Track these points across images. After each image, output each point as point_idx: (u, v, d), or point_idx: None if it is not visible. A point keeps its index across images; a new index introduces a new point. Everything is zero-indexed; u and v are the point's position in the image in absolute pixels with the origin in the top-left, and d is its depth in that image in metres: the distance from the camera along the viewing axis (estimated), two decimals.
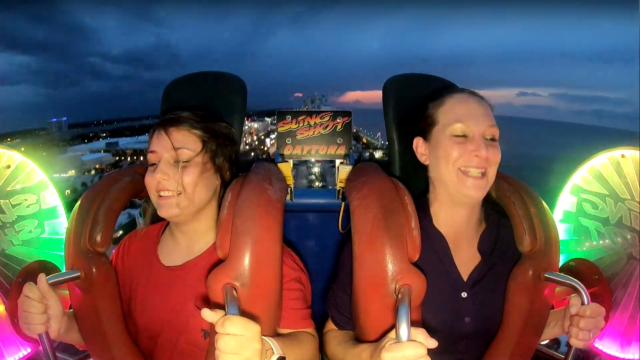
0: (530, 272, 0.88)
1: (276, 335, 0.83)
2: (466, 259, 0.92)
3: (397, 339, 0.65)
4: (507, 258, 0.93)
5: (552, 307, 0.96)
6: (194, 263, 0.91)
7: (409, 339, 0.65)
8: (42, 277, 0.82)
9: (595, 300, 0.85)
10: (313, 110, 1.27)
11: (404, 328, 0.65)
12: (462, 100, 0.91)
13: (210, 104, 1.13)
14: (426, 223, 0.92)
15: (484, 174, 0.86)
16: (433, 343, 0.65)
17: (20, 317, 0.82)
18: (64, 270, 0.93)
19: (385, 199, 0.85)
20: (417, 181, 1.07)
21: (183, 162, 0.88)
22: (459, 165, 0.86)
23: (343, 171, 1.20)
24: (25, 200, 1.28)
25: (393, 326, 0.69)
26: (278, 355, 0.70)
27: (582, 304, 0.84)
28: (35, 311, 0.81)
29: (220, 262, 0.80)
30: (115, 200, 0.93)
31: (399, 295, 0.75)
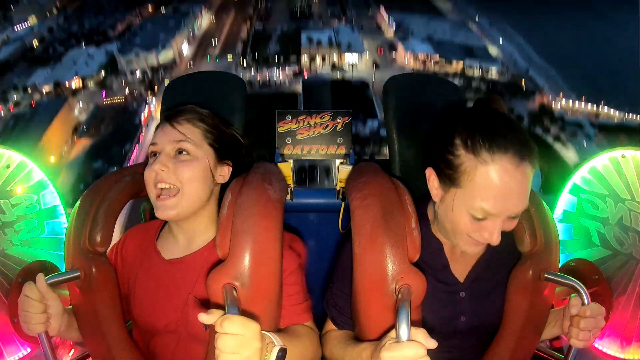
0: (531, 272, 0.88)
1: (277, 331, 0.83)
2: (463, 260, 0.92)
3: (397, 338, 0.65)
4: (506, 258, 0.93)
5: (552, 307, 0.96)
6: (194, 257, 0.91)
7: (409, 339, 0.65)
8: (40, 277, 0.82)
9: (595, 301, 0.85)
10: (313, 110, 1.27)
11: (404, 328, 0.65)
12: (500, 177, 0.73)
13: (210, 104, 1.13)
14: (425, 229, 0.90)
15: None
16: (433, 343, 0.65)
17: (20, 317, 0.82)
18: (63, 270, 0.93)
19: (385, 199, 0.85)
20: (417, 181, 1.07)
21: (184, 155, 0.87)
22: (470, 235, 0.81)
23: (343, 171, 1.20)
24: (25, 200, 1.28)
25: (393, 326, 0.69)
26: (279, 347, 0.70)
27: (583, 304, 0.84)
28: (35, 311, 0.81)
29: (220, 260, 0.80)
30: (115, 200, 0.93)
31: (399, 296, 0.75)
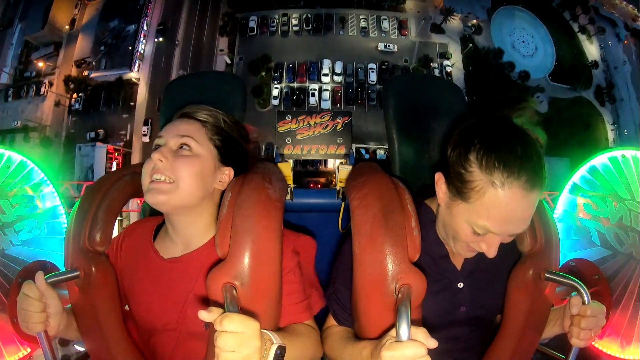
0: (531, 272, 0.89)
1: (276, 330, 0.83)
2: (462, 252, 0.92)
3: (398, 338, 0.65)
4: (502, 248, 0.93)
5: (552, 307, 0.96)
6: (193, 256, 0.91)
7: (409, 339, 0.65)
8: (40, 275, 0.82)
9: (595, 300, 0.85)
10: (313, 110, 1.27)
11: (404, 327, 0.65)
12: (507, 204, 0.73)
13: (210, 104, 1.13)
14: (426, 220, 0.92)
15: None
16: (433, 343, 0.65)
17: (19, 316, 0.82)
18: (63, 270, 0.93)
19: (385, 198, 0.85)
20: (417, 181, 1.07)
21: (185, 150, 0.87)
22: (469, 244, 0.83)
23: (343, 171, 1.20)
24: (25, 200, 1.28)
25: (393, 325, 0.69)
26: (277, 344, 0.70)
27: (583, 303, 0.84)
28: (34, 310, 0.81)
29: (219, 259, 0.80)
30: (115, 200, 0.93)
31: (399, 295, 0.75)
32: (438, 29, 19.21)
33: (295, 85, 18.40)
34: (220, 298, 0.74)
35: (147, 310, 0.91)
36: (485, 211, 0.75)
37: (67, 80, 19.22)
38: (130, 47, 19.64)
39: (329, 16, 19.46)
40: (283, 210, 0.86)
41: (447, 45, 19.44)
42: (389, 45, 18.57)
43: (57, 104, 18.90)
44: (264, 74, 17.93)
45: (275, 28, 19.24)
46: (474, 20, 19.60)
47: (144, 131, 17.92)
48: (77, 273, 0.87)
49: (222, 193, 0.91)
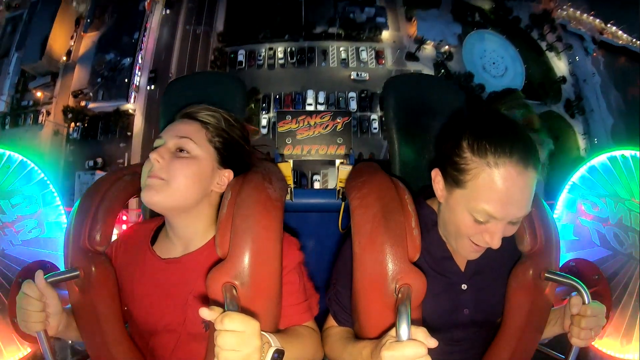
0: (531, 272, 0.89)
1: (276, 332, 0.83)
2: (465, 252, 0.92)
3: (398, 337, 0.65)
4: (506, 251, 0.93)
5: (552, 307, 0.96)
6: (191, 257, 0.91)
7: (409, 338, 0.65)
8: (39, 275, 0.82)
9: (595, 300, 0.85)
10: (313, 110, 1.27)
11: (404, 327, 0.65)
12: (504, 182, 0.74)
13: (210, 104, 1.13)
14: (429, 222, 0.92)
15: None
16: (433, 342, 0.65)
17: (18, 315, 0.82)
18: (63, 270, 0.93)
19: (385, 198, 0.85)
20: (417, 181, 1.07)
21: (183, 152, 0.86)
22: (470, 238, 0.82)
23: (343, 171, 1.20)
24: (25, 200, 1.28)
25: (393, 325, 0.69)
26: (275, 348, 0.70)
27: (583, 303, 0.84)
28: (33, 309, 0.81)
29: (219, 260, 0.80)
30: (115, 200, 0.93)
31: (399, 295, 0.75)
32: (413, 57, 20.51)
33: None
34: (220, 298, 0.74)
35: (147, 311, 0.91)
36: (483, 193, 0.75)
37: (66, 110, 19.95)
38: (126, 80, 20.49)
39: (311, 49, 20.77)
40: (283, 210, 0.86)
41: (421, 72, 20.63)
42: (360, 74, 19.91)
43: (56, 133, 19.50)
44: (252, 105, 18.64)
45: (262, 61, 20.30)
46: (446, 47, 20.79)
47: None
48: (77, 273, 0.87)
49: (221, 195, 0.91)
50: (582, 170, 1.32)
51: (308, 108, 18.84)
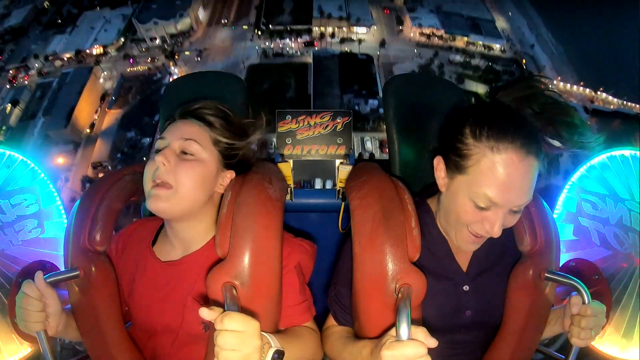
0: (531, 272, 0.89)
1: (276, 332, 0.83)
2: (466, 253, 0.92)
3: (398, 337, 0.65)
4: (506, 251, 0.93)
5: (552, 306, 0.96)
6: (192, 258, 0.91)
7: (409, 338, 0.65)
8: (39, 275, 0.82)
9: (595, 300, 0.85)
10: (313, 110, 1.27)
11: (404, 327, 0.65)
12: (505, 167, 0.74)
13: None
14: (428, 219, 0.92)
15: (483, 236, 0.82)
16: (433, 342, 0.65)
17: (17, 315, 0.82)
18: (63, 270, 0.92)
19: (385, 198, 0.85)
20: (417, 181, 1.07)
21: (188, 155, 0.85)
22: (468, 227, 0.82)
23: (343, 171, 1.20)
24: (25, 200, 1.28)
25: (393, 324, 0.69)
26: (275, 348, 0.70)
27: (583, 303, 0.84)
28: (33, 309, 0.80)
29: (219, 260, 0.80)
30: (115, 200, 0.93)
31: (399, 295, 0.75)
32: None
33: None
34: (220, 298, 0.74)
35: (146, 312, 0.91)
36: (485, 179, 0.75)
37: (84, 179, 21.46)
38: (144, 158, 21.64)
39: None
40: (283, 210, 0.86)
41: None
42: None
43: (72, 200, 21.45)
44: None
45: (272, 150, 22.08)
46: None
47: None
48: (77, 273, 0.87)
49: (222, 195, 0.91)
50: (582, 170, 1.32)
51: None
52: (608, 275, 1.21)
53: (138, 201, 1.06)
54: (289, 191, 1.26)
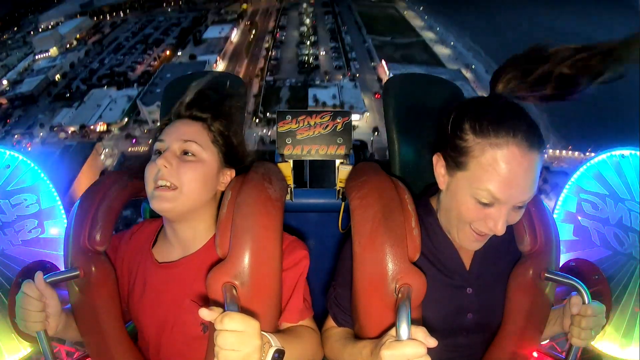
0: (531, 272, 0.88)
1: (276, 332, 0.83)
2: (468, 255, 0.92)
3: (397, 337, 0.65)
4: (507, 253, 0.93)
5: (552, 306, 0.96)
6: (190, 259, 0.91)
7: (409, 338, 0.65)
8: (39, 275, 0.82)
9: (595, 300, 0.85)
10: (313, 110, 1.27)
11: (404, 327, 0.65)
12: (507, 163, 0.72)
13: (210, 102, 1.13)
14: (431, 219, 0.91)
15: (487, 235, 0.81)
16: (433, 342, 0.65)
17: (17, 315, 0.82)
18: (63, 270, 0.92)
19: (385, 198, 0.85)
20: (417, 181, 1.07)
21: (189, 156, 0.86)
22: (471, 224, 0.80)
23: (343, 171, 1.20)
24: (25, 200, 1.28)
25: (393, 324, 0.69)
26: (276, 348, 0.70)
27: (583, 303, 0.84)
28: (33, 309, 0.80)
29: (218, 260, 0.80)
30: (115, 200, 0.93)
31: (399, 295, 0.75)
32: None
33: None
34: (220, 297, 0.74)
35: (145, 312, 0.91)
36: (486, 174, 0.73)
37: None
38: None
39: None
40: (283, 210, 0.86)
41: None
42: None
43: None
44: None
45: None
46: None
47: None
48: (77, 273, 0.87)
49: (223, 193, 0.91)
50: (581, 170, 1.32)
51: None
52: (608, 275, 1.21)
53: (138, 201, 1.06)
54: (289, 191, 1.26)
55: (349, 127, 1.26)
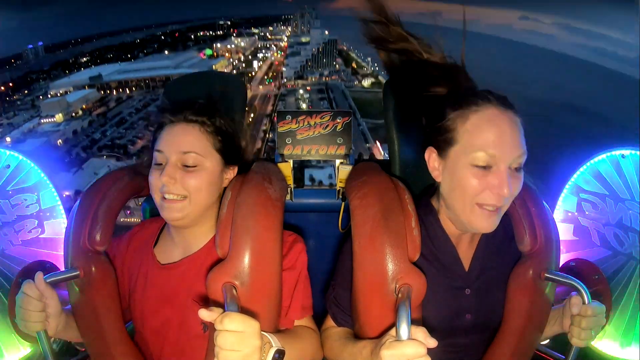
0: (531, 272, 0.88)
1: (276, 332, 0.83)
2: (469, 254, 0.92)
3: (397, 337, 0.65)
4: (508, 254, 0.93)
5: (553, 306, 0.96)
6: (191, 260, 0.91)
7: (409, 338, 0.65)
8: (39, 275, 0.82)
9: (595, 300, 0.85)
10: (313, 110, 1.27)
11: (404, 327, 0.65)
12: (490, 121, 0.77)
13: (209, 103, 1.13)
14: (432, 219, 0.91)
15: (497, 208, 0.80)
16: (433, 342, 0.65)
17: (18, 315, 0.82)
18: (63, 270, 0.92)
19: (385, 198, 0.85)
20: (417, 181, 1.07)
21: (191, 167, 0.85)
22: (477, 200, 0.79)
23: (343, 171, 1.20)
24: (25, 200, 1.28)
25: (393, 324, 0.69)
26: (276, 348, 0.70)
27: (583, 303, 0.84)
28: (33, 309, 0.81)
29: (218, 260, 0.80)
30: (115, 199, 0.93)
31: (399, 295, 0.75)
32: None
33: None
34: (220, 298, 0.74)
35: (146, 313, 0.92)
36: (475, 136, 0.78)
37: None
38: None
39: None
40: (283, 210, 0.86)
41: None
42: None
43: None
44: None
45: None
46: None
47: None
48: (77, 273, 0.87)
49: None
50: (581, 170, 1.32)
51: None
52: (608, 275, 1.21)
53: (139, 199, 1.06)
54: (289, 191, 1.26)
55: (348, 127, 1.27)
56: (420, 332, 0.65)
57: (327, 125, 1.26)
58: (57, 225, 1.30)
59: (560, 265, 1.00)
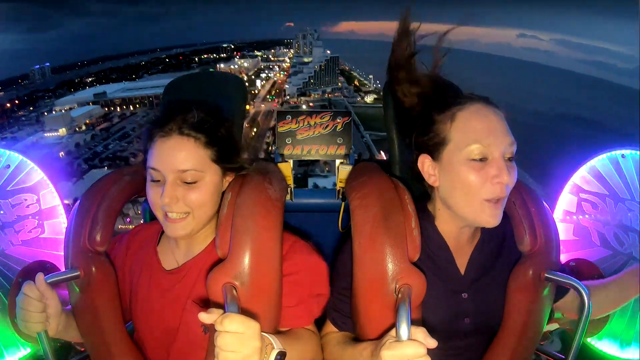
0: (531, 272, 0.88)
1: (276, 333, 0.83)
2: (465, 259, 0.92)
3: (397, 337, 0.65)
4: (505, 256, 0.93)
5: (552, 308, 0.96)
6: (193, 263, 0.91)
7: (409, 338, 0.65)
8: (40, 276, 0.82)
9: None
10: (313, 110, 1.27)
11: (404, 327, 0.65)
12: (477, 114, 0.80)
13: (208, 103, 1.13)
14: (428, 224, 0.91)
15: (499, 200, 0.80)
16: (433, 342, 0.65)
17: (18, 315, 0.82)
18: (63, 270, 0.92)
19: (385, 198, 0.85)
20: (417, 182, 1.06)
21: (190, 184, 0.83)
22: (483, 196, 0.79)
23: (343, 171, 1.20)
24: (25, 200, 1.28)
25: (393, 325, 0.69)
26: (278, 350, 0.70)
27: (583, 303, 0.84)
28: (34, 310, 0.81)
29: (219, 261, 0.80)
30: (115, 200, 0.93)
31: (399, 295, 0.75)
32: None
33: None
34: (220, 298, 0.74)
35: (147, 315, 0.92)
36: (466, 132, 0.80)
37: None
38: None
39: None
40: (283, 210, 0.86)
41: None
42: None
43: None
44: None
45: None
46: None
47: None
48: (77, 273, 0.87)
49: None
50: (582, 170, 1.32)
51: None
52: (608, 275, 1.21)
53: (139, 199, 1.06)
54: (289, 191, 1.26)
55: (348, 127, 1.27)
56: (420, 333, 0.65)
57: (327, 125, 1.26)
58: (58, 226, 1.30)
59: (560, 265, 0.99)
